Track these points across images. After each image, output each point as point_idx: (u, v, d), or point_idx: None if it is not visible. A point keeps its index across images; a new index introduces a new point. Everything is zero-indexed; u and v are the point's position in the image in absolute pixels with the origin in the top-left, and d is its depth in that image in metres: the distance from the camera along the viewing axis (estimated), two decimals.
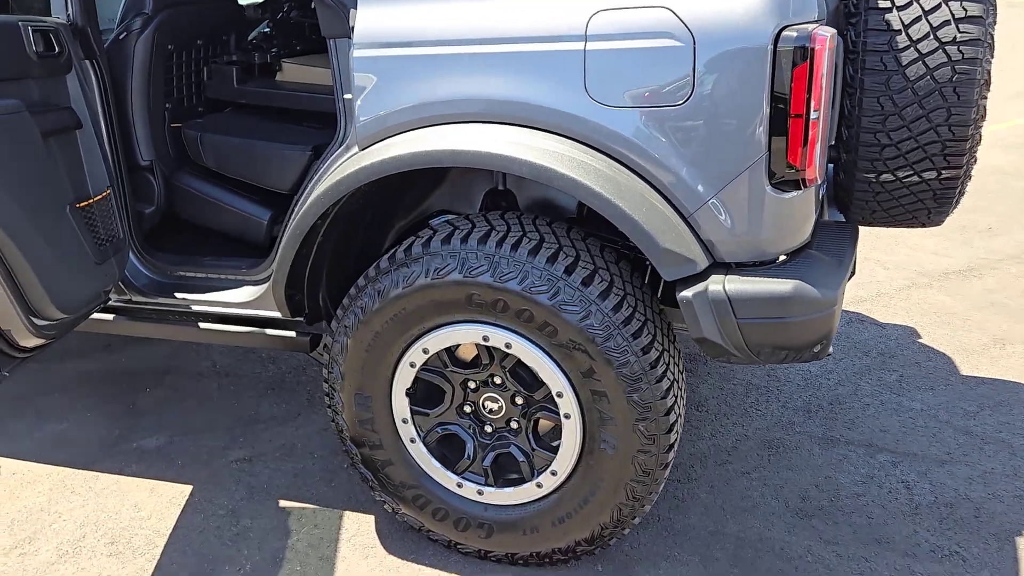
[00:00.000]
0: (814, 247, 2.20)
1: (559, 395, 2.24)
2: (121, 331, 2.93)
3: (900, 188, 2.20)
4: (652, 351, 2.16)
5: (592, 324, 2.12)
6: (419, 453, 2.48)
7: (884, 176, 2.17)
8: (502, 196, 2.63)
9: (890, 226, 2.40)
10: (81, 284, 2.36)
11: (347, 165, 2.31)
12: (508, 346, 2.24)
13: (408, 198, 2.72)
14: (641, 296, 2.25)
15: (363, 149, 2.30)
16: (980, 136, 2.18)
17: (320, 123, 3.00)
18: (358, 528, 2.75)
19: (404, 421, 2.45)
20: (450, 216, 2.69)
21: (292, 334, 2.70)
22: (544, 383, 2.26)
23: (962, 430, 3.16)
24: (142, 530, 2.78)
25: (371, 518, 2.79)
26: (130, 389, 3.71)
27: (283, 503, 2.89)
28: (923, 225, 2.37)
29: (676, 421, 2.23)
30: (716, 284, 2.04)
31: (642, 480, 2.25)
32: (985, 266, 4.77)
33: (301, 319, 2.66)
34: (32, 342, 2.27)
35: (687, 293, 2.07)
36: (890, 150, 2.13)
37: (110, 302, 2.87)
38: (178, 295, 2.78)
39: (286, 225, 2.55)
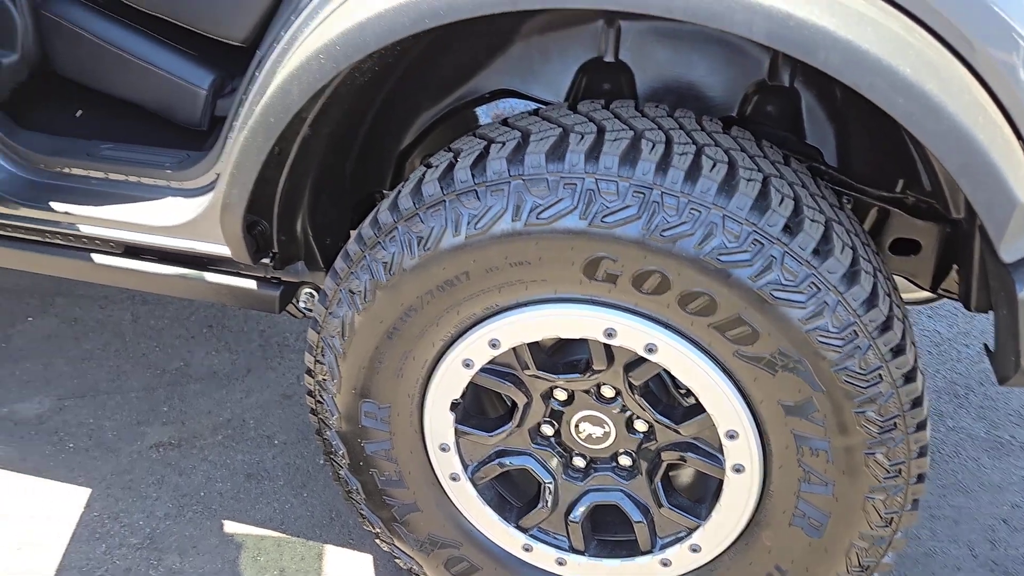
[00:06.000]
0: None
1: (731, 436, 1.29)
2: None
3: None
4: (916, 378, 1.21)
5: (826, 328, 1.15)
6: (464, 496, 1.52)
7: None
8: (607, 73, 1.57)
9: None
10: None
11: (352, 4, 1.23)
12: (651, 349, 1.26)
13: (447, 67, 1.63)
14: (888, 275, 1.29)
15: None
16: None
17: None
18: (346, 572, 1.81)
19: (443, 448, 1.47)
20: (523, 105, 1.62)
21: (251, 284, 1.65)
22: (705, 411, 1.30)
23: None
24: None
25: (367, 558, 1.85)
26: (6, 314, 2.61)
27: (229, 526, 1.91)
28: None
29: (920, 493, 1.31)
30: None
31: None
32: None
33: (266, 261, 1.60)
34: None
35: None
36: None
37: None
38: (56, 206, 1.68)
39: (240, 104, 1.47)
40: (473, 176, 1.24)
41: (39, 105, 1.88)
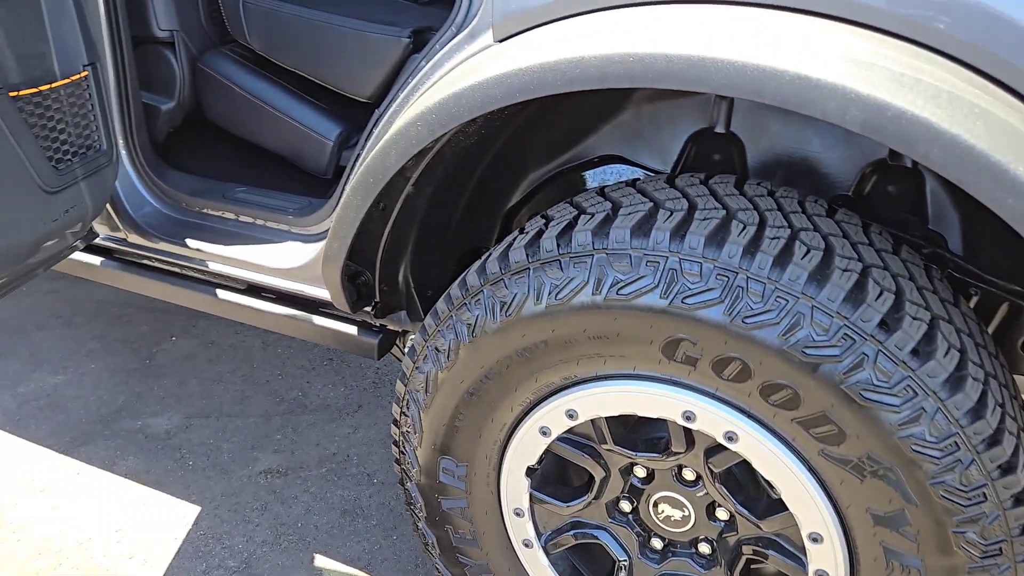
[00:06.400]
0: None
1: (815, 539, 1.20)
2: (107, 280, 2.01)
3: None
4: None
5: (922, 436, 1.06)
6: (536, 564, 1.49)
7: None
8: (717, 143, 1.53)
9: None
10: (6, 227, 1.41)
11: (470, 69, 1.27)
12: (731, 438, 1.20)
13: (557, 130, 1.64)
14: (1007, 383, 1.17)
15: (501, 40, 1.24)
16: None
17: None
18: None
19: (518, 513, 1.46)
20: (630, 171, 1.61)
21: (351, 330, 1.72)
22: (787, 511, 1.22)
23: None
24: None
25: None
26: (152, 334, 2.84)
27: (320, 560, 1.97)
28: None
29: None
30: None
31: None
32: None
33: (368, 309, 1.66)
34: None
35: None
36: None
37: (97, 239, 1.94)
38: (191, 242, 1.82)
39: (357, 159, 1.54)
40: (558, 246, 1.23)
41: (187, 147, 2.06)
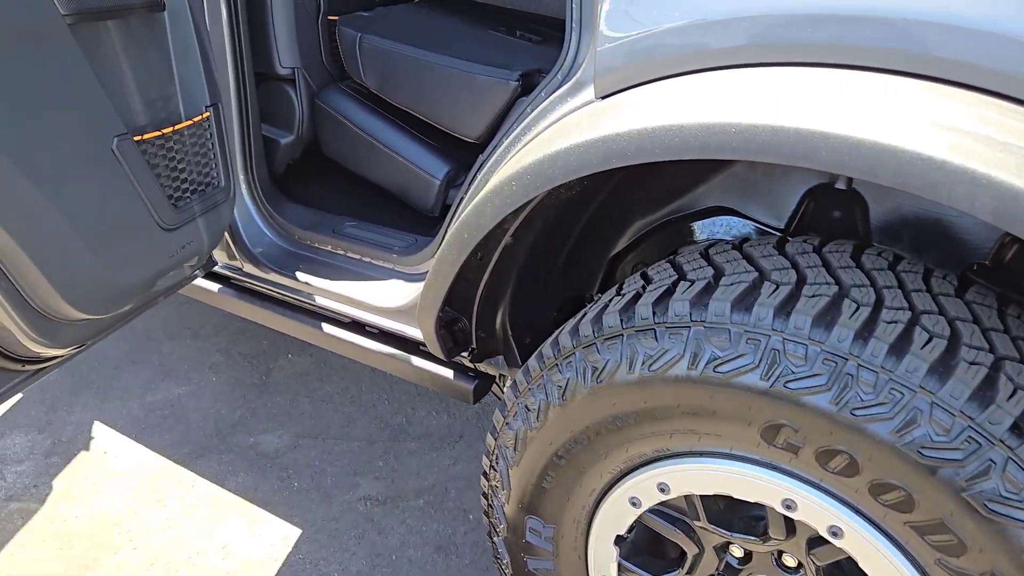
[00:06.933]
0: None
1: None
2: (224, 307, 2.09)
3: None
4: None
5: None
6: None
7: None
8: (838, 200, 1.42)
9: None
10: (126, 265, 1.48)
11: (569, 127, 1.23)
12: (835, 533, 1.10)
13: (665, 181, 1.58)
14: None
15: (602, 97, 1.19)
16: None
17: (549, 33, 1.91)
18: None
19: None
20: (741, 223, 1.52)
21: (448, 373, 1.71)
22: None
23: None
24: None
25: None
26: (271, 350, 2.95)
27: None
28: None
29: None
30: None
31: None
32: None
33: (464, 354, 1.65)
34: (43, 350, 1.43)
35: None
36: None
37: (215, 267, 2.02)
38: (301, 275, 1.86)
39: (460, 202, 1.53)
40: (654, 314, 1.17)
41: (303, 179, 2.11)
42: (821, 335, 1.04)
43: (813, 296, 1.07)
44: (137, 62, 1.50)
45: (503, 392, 1.80)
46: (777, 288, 1.10)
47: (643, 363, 1.16)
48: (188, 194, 1.64)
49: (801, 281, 1.11)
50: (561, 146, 1.13)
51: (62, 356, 1.50)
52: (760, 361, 1.06)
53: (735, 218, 1.55)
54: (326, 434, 2.53)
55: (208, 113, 1.68)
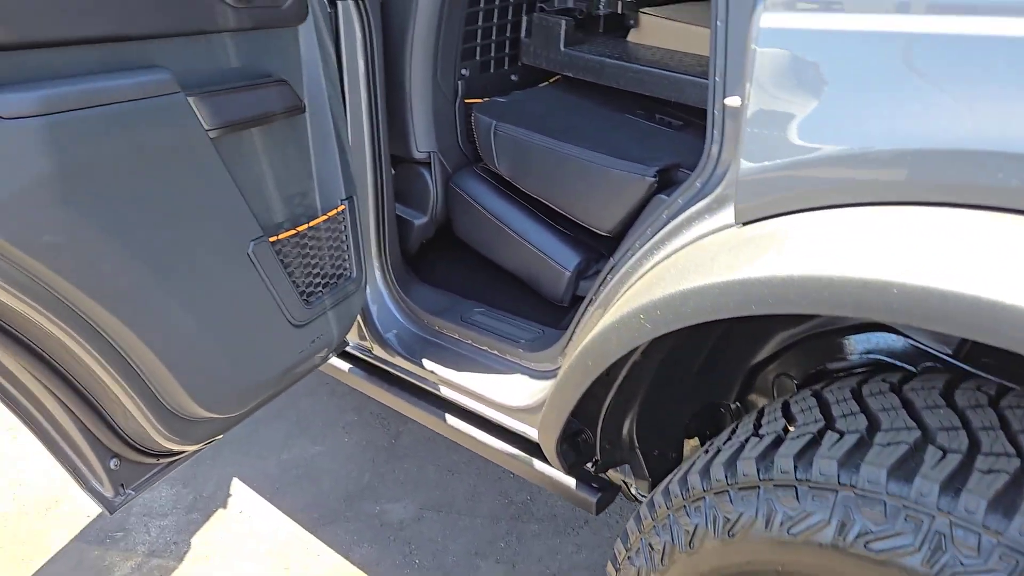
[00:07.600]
0: None
1: None
2: (352, 385, 2.11)
3: None
4: None
5: None
6: None
7: None
8: None
9: None
10: (256, 364, 1.50)
11: (707, 256, 1.14)
12: None
13: None
14: None
15: (745, 224, 1.09)
16: None
17: (688, 119, 1.82)
18: None
19: None
20: (900, 345, 1.36)
21: (570, 482, 1.63)
22: None
23: None
24: None
25: None
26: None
27: None
28: None
29: None
30: None
31: None
32: None
33: (588, 466, 1.56)
34: (176, 447, 1.47)
35: None
36: None
37: (347, 347, 2.04)
38: (427, 362, 1.84)
39: (591, 302, 1.46)
40: (796, 468, 1.05)
41: (434, 261, 2.11)
42: (999, 523, 0.89)
43: (988, 472, 0.92)
44: (277, 162, 1.52)
45: (629, 492, 1.70)
46: (944, 456, 0.96)
47: (782, 524, 1.04)
48: (320, 288, 1.65)
49: (974, 448, 0.96)
50: (697, 283, 1.04)
51: (195, 449, 1.53)
52: (921, 543, 0.92)
53: (894, 335, 1.39)
54: (451, 507, 2.50)
55: (343, 207, 1.69)
